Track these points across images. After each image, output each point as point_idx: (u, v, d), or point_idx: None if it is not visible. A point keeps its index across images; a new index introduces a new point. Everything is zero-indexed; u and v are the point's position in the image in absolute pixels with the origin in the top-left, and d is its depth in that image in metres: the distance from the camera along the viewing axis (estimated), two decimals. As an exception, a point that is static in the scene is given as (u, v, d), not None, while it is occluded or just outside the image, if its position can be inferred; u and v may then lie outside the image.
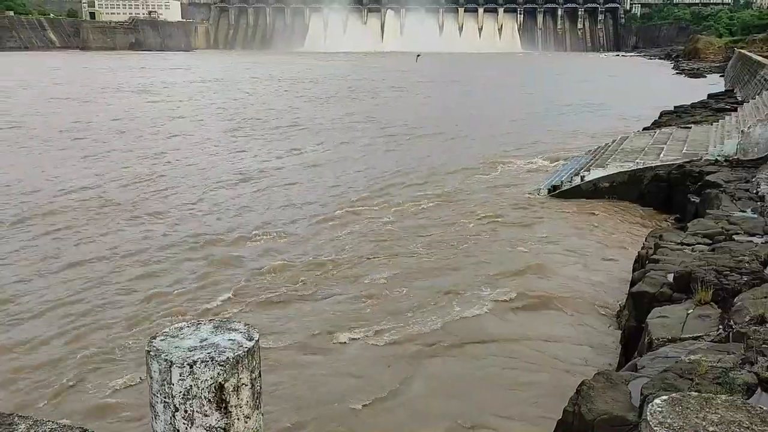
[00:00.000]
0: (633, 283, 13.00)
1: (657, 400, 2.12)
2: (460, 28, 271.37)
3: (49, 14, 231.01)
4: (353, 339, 11.87)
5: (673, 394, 2.17)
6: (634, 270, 13.94)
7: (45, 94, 53.32)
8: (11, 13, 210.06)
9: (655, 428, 1.95)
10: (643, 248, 14.58)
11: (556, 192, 22.70)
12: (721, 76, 78.56)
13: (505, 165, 26.01)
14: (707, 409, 2.08)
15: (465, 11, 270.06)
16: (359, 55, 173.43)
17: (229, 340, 2.37)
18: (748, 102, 29.95)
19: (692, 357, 8.95)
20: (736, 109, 30.76)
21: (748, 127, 22.78)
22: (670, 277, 12.06)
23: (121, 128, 33.65)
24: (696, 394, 2.19)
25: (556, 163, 26.64)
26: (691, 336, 10.07)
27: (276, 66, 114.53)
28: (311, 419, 9.60)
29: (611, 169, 22.52)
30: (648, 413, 2.06)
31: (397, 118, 39.26)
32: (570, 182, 22.96)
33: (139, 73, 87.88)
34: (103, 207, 19.21)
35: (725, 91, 52.52)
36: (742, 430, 1.96)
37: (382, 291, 13.78)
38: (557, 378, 10.96)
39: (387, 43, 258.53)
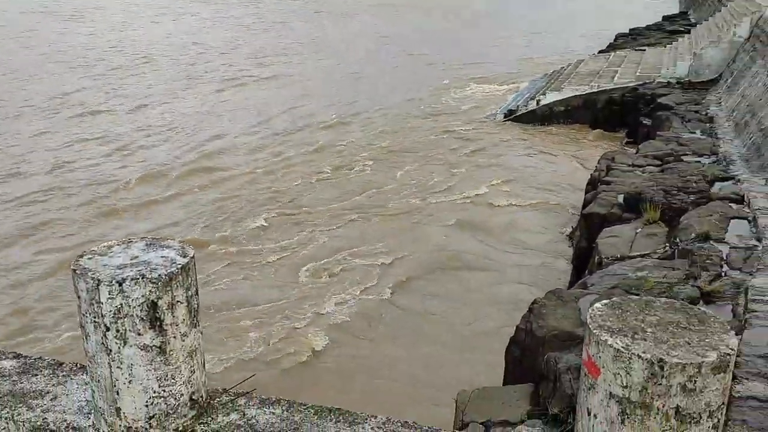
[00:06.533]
0: (585, 205, 13.22)
1: (597, 304, 2.13)
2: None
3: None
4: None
5: (614, 299, 2.19)
6: (586, 192, 14.16)
7: None
8: None
9: (594, 331, 1.96)
10: (595, 170, 14.78)
11: (511, 116, 22.65)
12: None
13: (463, 90, 25.83)
14: (647, 312, 2.09)
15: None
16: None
17: (162, 257, 2.26)
18: (701, 24, 30.02)
19: (639, 273, 9.24)
20: (689, 31, 30.82)
21: (701, 49, 22.91)
22: (621, 198, 12.31)
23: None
24: (636, 297, 2.21)
25: (512, 86, 26.53)
26: (639, 254, 10.36)
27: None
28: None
29: (566, 93, 22.51)
30: (588, 317, 2.07)
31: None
32: (526, 106, 22.91)
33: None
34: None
35: (679, 12, 52.35)
36: (679, 329, 1.98)
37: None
38: (515, 294, 11.29)
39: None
